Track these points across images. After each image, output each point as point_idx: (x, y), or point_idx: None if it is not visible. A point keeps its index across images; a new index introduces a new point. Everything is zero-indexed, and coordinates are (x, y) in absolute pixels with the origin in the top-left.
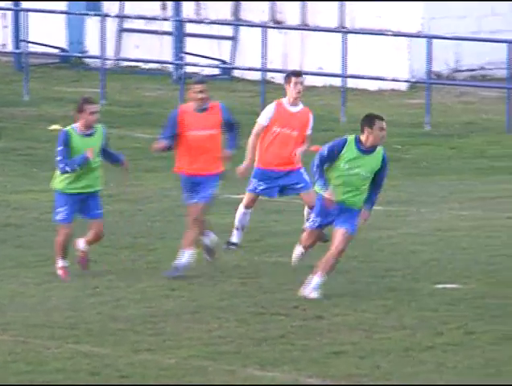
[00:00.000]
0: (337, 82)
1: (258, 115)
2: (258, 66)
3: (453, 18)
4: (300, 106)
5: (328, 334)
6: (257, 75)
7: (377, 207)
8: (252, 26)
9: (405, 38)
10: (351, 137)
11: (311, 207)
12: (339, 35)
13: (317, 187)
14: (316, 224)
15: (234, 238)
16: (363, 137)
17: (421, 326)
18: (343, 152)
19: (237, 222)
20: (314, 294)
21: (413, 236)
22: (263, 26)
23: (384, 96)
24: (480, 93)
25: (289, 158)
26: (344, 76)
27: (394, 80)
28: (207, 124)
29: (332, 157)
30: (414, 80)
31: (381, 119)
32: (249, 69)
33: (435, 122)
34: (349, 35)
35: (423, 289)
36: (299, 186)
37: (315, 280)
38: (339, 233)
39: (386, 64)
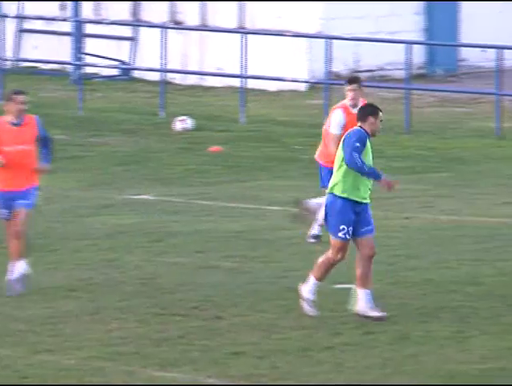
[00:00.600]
0: (237, 82)
1: (157, 115)
2: (158, 66)
3: (352, 18)
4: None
5: (227, 334)
6: (156, 76)
7: (275, 208)
8: (151, 26)
9: (304, 38)
10: (359, 128)
11: None
12: (239, 36)
13: (339, 187)
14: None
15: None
16: (365, 126)
17: (320, 327)
18: (366, 143)
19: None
20: (372, 312)
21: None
22: (162, 27)
23: (284, 96)
24: (379, 94)
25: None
26: (243, 77)
27: (293, 81)
28: (22, 139)
29: (363, 149)
30: (313, 80)
31: (381, 110)
32: (149, 70)
33: None
34: (249, 36)
35: (322, 289)
36: None
37: (363, 292)
38: (370, 240)
39: (285, 65)
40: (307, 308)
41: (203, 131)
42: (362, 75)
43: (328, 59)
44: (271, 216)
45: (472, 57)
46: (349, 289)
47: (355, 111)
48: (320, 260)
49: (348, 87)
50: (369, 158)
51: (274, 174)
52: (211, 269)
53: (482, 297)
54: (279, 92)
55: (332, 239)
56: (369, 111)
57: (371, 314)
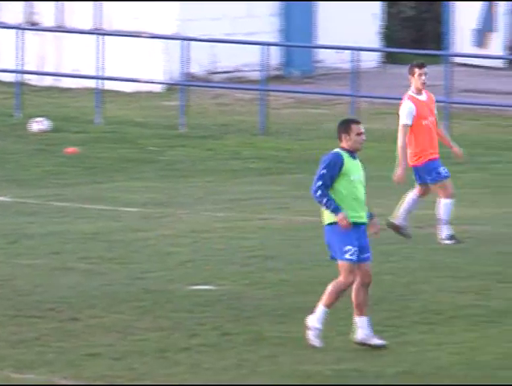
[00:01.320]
0: (94, 84)
1: (13, 116)
2: (14, 67)
3: (209, 19)
4: (424, 93)
5: (83, 335)
6: (12, 77)
7: (132, 209)
8: (7, 27)
9: (161, 40)
10: (338, 149)
11: (448, 197)
12: (95, 37)
13: (328, 215)
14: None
15: (449, 230)
16: (343, 144)
17: (176, 328)
18: (345, 164)
19: (447, 216)
20: (373, 340)
21: (169, 237)
22: (18, 28)
23: (140, 97)
24: (235, 95)
25: (436, 144)
26: (99, 78)
27: (150, 82)
28: None
29: (335, 175)
30: (170, 81)
31: (358, 123)
32: (5, 71)
33: (191, 124)
34: (106, 37)
35: (179, 291)
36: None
37: (363, 320)
38: (367, 267)
39: (142, 66)
40: (313, 338)
41: (59, 132)
42: (219, 77)
43: (185, 61)
44: (128, 217)
45: (328, 58)
46: (206, 290)
47: (422, 98)
48: (330, 287)
49: (419, 71)
50: (355, 176)
51: (131, 176)
52: (67, 271)
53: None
54: (136, 93)
55: (340, 262)
56: (340, 129)
57: (371, 342)
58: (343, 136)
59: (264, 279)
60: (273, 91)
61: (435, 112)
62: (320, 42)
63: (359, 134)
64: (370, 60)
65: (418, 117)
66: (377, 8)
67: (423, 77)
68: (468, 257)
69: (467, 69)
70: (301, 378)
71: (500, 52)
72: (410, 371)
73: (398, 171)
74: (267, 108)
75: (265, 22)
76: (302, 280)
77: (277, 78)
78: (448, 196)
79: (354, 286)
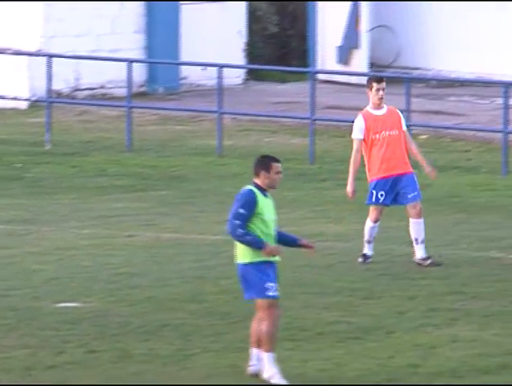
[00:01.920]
0: None
1: None
2: None
3: (73, 36)
4: (385, 108)
5: None
6: None
7: None
8: None
9: (25, 56)
10: (251, 187)
11: (416, 217)
12: None
13: (244, 254)
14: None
15: (367, 250)
16: (259, 181)
17: (42, 346)
18: (259, 203)
19: (367, 236)
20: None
21: (34, 254)
22: None
23: (4, 114)
24: (100, 112)
25: (397, 159)
26: None
27: (14, 99)
28: None
29: (252, 215)
30: (34, 98)
31: (278, 161)
32: None
33: (56, 141)
34: None
35: (44, 308)
36: (410, 195)
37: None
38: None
39: (6, 83)
40: (280, 380)
41: None
42: (83, 94)
43: (49, 77)
44: None
45: (193, 75)
46: (72, 307)
47: (379, 113)
48: (262, 330)
49: (377, 85)
50: (268, 215)
51: None
52: None
53: (204, 315)
54: (0, 110)
55: (261, 301)
56: (260, 166)
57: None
58: (262, 173)
59: (130, 296)
60: (138, 108)
61: (404, 128)
62: (185, 58)
63: (278, 173)
64: (235, 77)
65: (368, 132)
66: (242, 25)
67: (381, 92)
68: (334, 274)
69: (331, 86)
70: None
71: (364, 69)
72: None
73: (347, 188)
74: (132, 125)
75: (129, 38)
76: (168, 297)
77: (141, 94)
78: (373, 220)
79: (255, 321)
